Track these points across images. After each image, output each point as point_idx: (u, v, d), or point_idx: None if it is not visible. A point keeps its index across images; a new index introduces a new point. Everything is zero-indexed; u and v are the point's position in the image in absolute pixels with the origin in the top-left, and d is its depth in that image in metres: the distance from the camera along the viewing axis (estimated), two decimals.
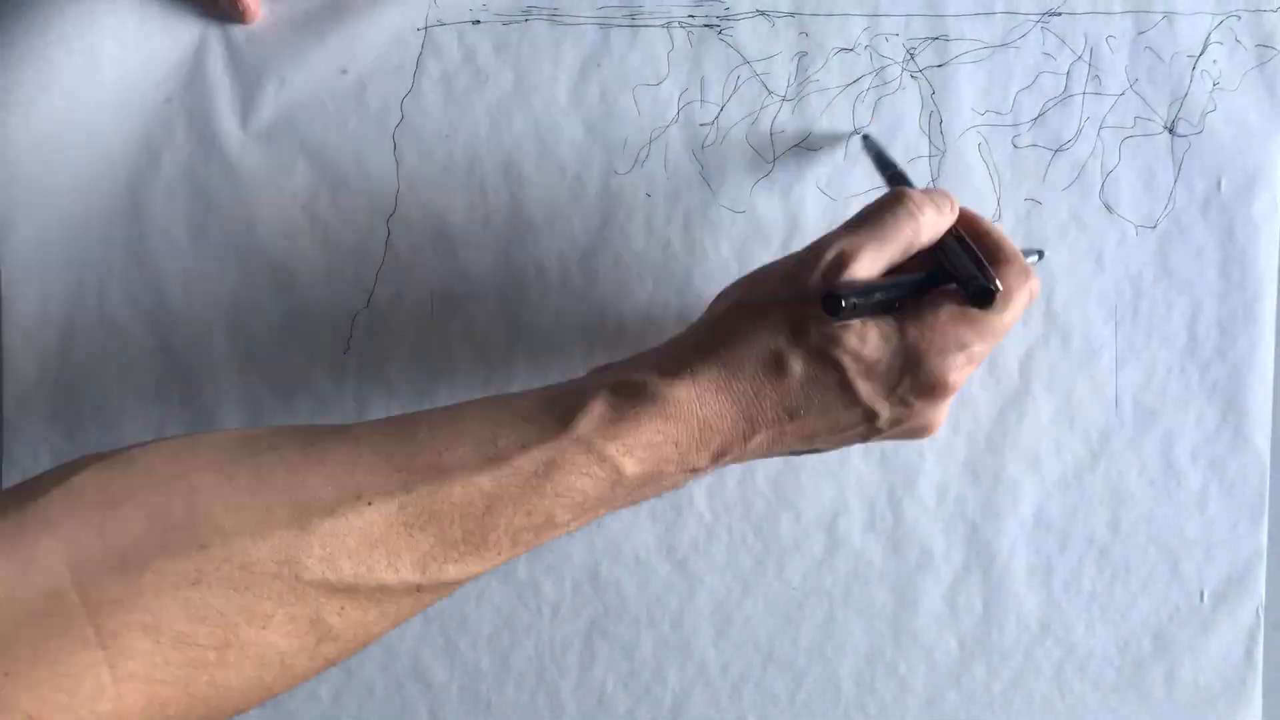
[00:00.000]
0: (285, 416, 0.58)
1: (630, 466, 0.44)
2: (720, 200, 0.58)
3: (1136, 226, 0.58)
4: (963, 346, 0.46)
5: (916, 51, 0.58)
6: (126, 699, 0.38)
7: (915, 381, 0.46)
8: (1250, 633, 0.59)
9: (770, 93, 0.58)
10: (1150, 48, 0.58)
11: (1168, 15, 0.58)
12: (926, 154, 0.58)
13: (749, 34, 0.58)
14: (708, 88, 0.58)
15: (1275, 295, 0.58)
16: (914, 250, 0.47)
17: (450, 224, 0.59)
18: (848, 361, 0.45)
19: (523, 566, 0.59)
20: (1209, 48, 0.57)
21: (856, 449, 0.58)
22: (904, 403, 0.46)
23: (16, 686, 0.37)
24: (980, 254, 0.47)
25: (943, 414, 0.48)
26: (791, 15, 0.58)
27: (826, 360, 0.45)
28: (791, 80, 0.58)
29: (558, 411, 0.44)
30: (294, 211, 0.59)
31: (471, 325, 0.59)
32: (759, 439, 0.46)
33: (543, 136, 0.58)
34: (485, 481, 0.42)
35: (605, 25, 0.58)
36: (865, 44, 0.58)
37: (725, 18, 0.58)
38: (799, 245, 0.58)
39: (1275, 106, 0.57)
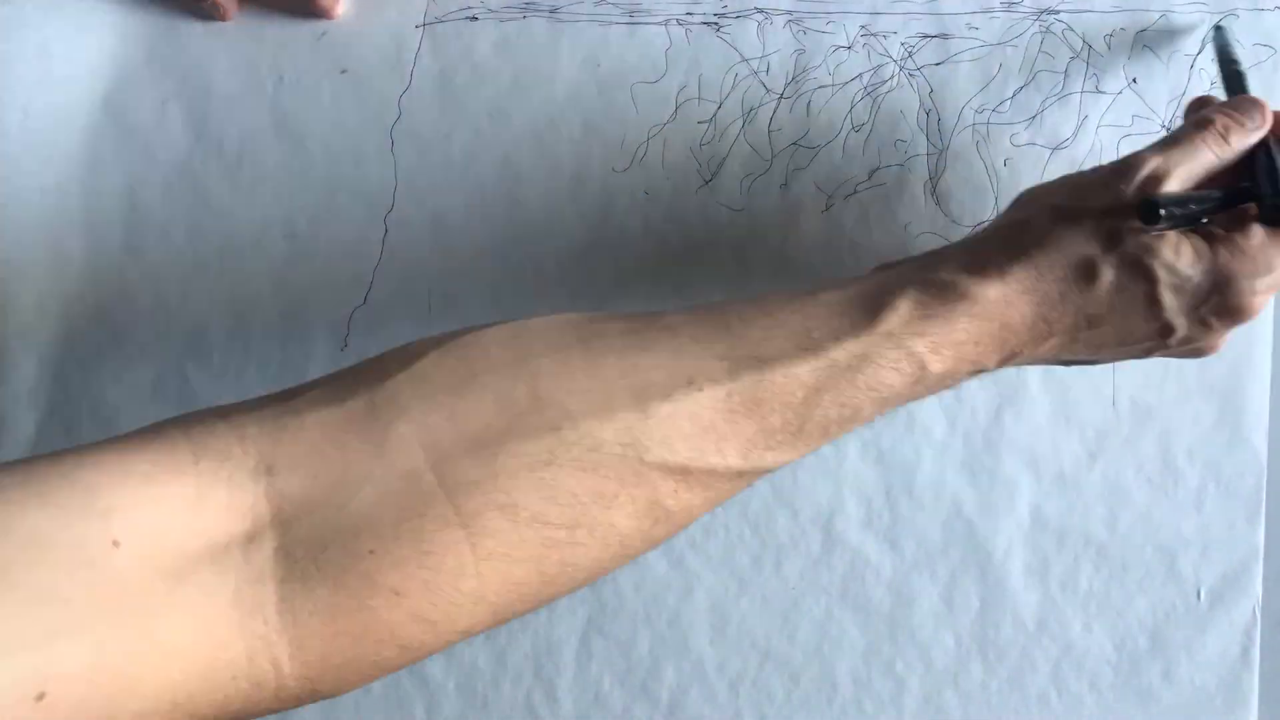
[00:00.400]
0: None
1: (935, 364, 0.44)
2: (718, 198, 0.58)
3: None
4: (1270, 269, 0.46)
5: (914, 49, 0.58)
6: (486, 578, 0.39)
7: (1221, 302, 0.46)
8: (1247, 631, 0.59)
9: (768, 90, 0.58)
10: (1148, 46, 0.58)
11: (1165, 14, 0.58)
12: (924, 152, 0.58)
13: (747, 32, 0.58)
14: (706, 85, 0.58)
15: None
16: (1221, 169, 0.48)
17: (448, 222, 0.58)
18: (1161, 273, 0.45)
19: None
20: (1207, 47, 0.57)
21: (853, 447, 0.58)
22: (1203, 322, 0.47)
23: (381, 563, 0.38)
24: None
25: (1228, 337, 0.48)
26: (789, 13, 0.58)
27: (1139, 270, 0.45)
28: (789, 78, 0.58)
29: (866, 306, 0.44)
30: (291, 210, 0.59)
31: (468, 323, 0.58)
32: (1051, 343, 0.46)
33: (541, 134, 0.58)
34: (804, 372, 0.43)
35: (603, 23, 0.58)
36: (863, 42, 0.58)
37: (723, 15, 0.58)
38: (797, 243, 0.58)
39: (1273, 105, 0.57)
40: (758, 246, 0.58)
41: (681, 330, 0.44)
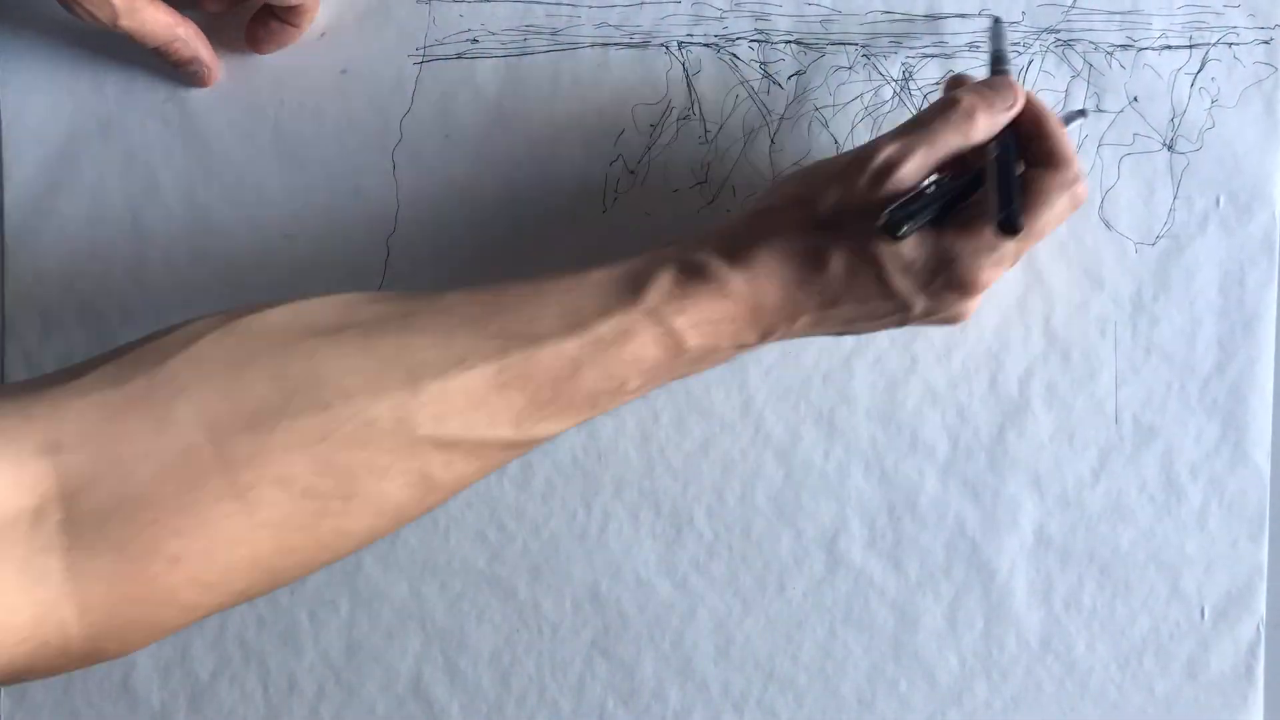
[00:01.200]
0: None
1: (692, 339, 0.48)
2: (721, 220, 0.58)
3: (1136, 243, 0.58)
4: (994, 248, 0.49)
5: (915, 70, 0.58)
6: (262, 544, 0.42)
7: (949, 278, 0.49)
8: (1251, 649, 0.59)
9: (769, 112, 0.58)
10: (1149, 65, 0.58)
11: (1166, 32, 0.58)
12: None
13: (747, 54, 0.58)
14: (706, 107, 0.58)
15: (1275, 312, 0.58)
16: (967, 149, 0.50)
17: (450, 244, 0.59)
18: (885, 259, 0.48)
19: (523, 586, 0.59)
20: (1207, 65, 0.58)
21: (856, 466, 0.58)
22: (937, 296, 0.49)
23: (162, 532, 0.41)
24: (1015, 179, 0.48)
25: (975, 305, 0.51)
26: (790, 35, 0.58)
27: (866, 256, 0.48)
28: (790, 99, 0.58)
29: (630, 284, 0.48)
30: (295, 231, 0.59)
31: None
32: (803, 321, 0.50)
33: (542, 156, 0.58)
34: (571, 347, 0.46)
35: (604, 44, 0.58)
36: (863, 63, 0.58)
37: (724, 37, 0.58)
38: None
39: (1274, 123, 0.57)
40: None
41: (457, 310, 0.47)
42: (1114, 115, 0.58)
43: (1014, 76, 0.53)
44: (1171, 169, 0.58)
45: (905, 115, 0.58)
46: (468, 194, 0.59)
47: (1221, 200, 0.58)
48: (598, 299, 0.48)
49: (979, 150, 0.50)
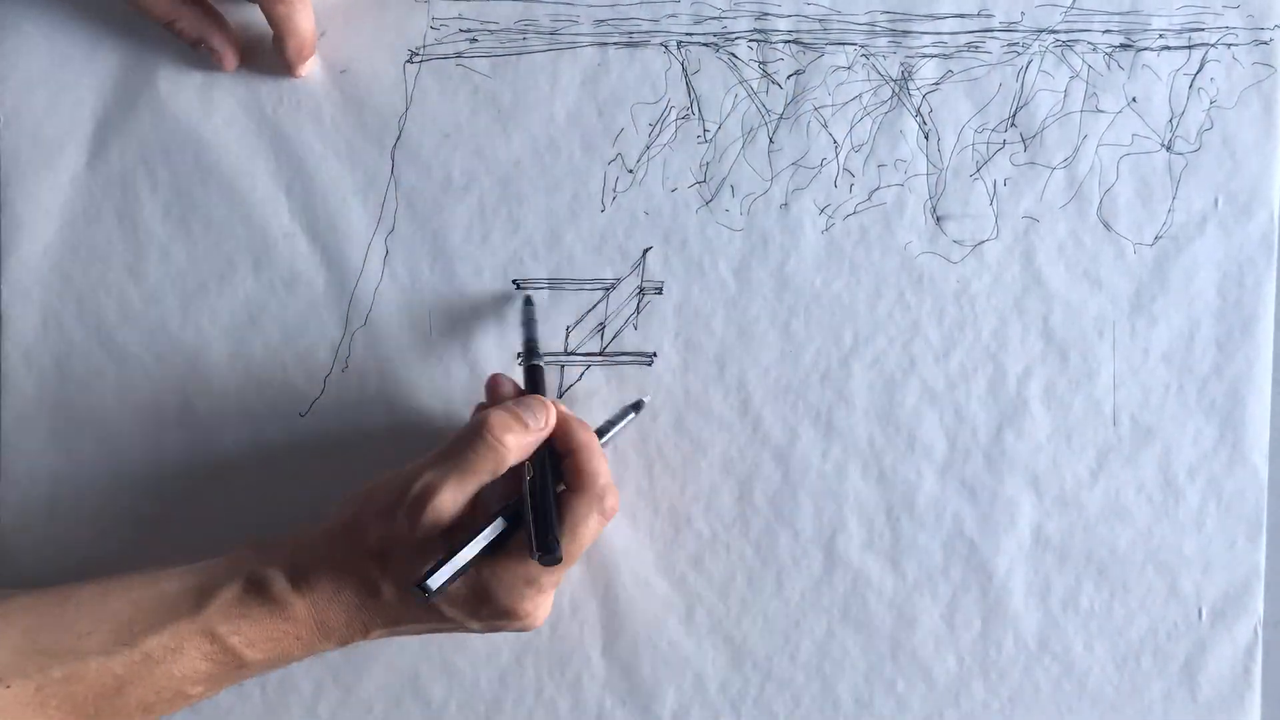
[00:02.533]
0: (284, 436, 0.59)
1: (251, 655, 0.51)
2: (718, 218, 0.58)
3: (1134, 244, 0.58)
4: (530, 581, 0.51)
5: (914, 70, 0.58)
6: None
7: (492, 610, 0.51)
8: (1248, 650, 0.59)
9: (768, 111, 0.58)
10: (1148, 66, 0.58)
11: (1164, 33, 0.58)
12: (924, 172, 0.58)
13: (746, 53, 0.58)
14: (706, 106, 0.58)
15: (1272, 313, 0.58)
16: (502, 470, 0.51)
17: (449, 243, 0.59)
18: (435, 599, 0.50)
19: None
20: (1206, 66, 0.58)
21: (854, 467, 0.58)
22: (489, 622, 0.52)
23: None
24: (550, 507, 0.50)
25: (536, 616, 0.52)
26: (789, 34, 0.58)
27: (411, 591, 0.50)
28: (789, 99, 0.58)
29: (195, 599, 0.51)
30: (294, 229, 0.59)
31: (469, 345, 0.59)
32: (377, 633, 0.53)
33: (540, 154, 0.58)
34: (117, 665, 0.49)
35: (603, 44, 0.58)
36: (862, 63, 0.58)
37: (723, 36, 0.58)
38: (797, 264, 0.58)
39: (1272, 124, 0.58)
40: (758, 267, 0.58)
41: (14, 620, 0.50)
42: (1113, 116, 0.58)
43: (544, 382, 0.55)
44: (1170, 170, 0.58)
45: (904, 115, 0.58)
46: (466, 193, 0.58)
47: (1220, 201, 0.58)
48: (158, 612, 0.50)
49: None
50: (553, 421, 0.52)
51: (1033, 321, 0.58)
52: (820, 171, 0.58)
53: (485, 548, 0.50)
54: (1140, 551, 0.58)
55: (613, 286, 0.59)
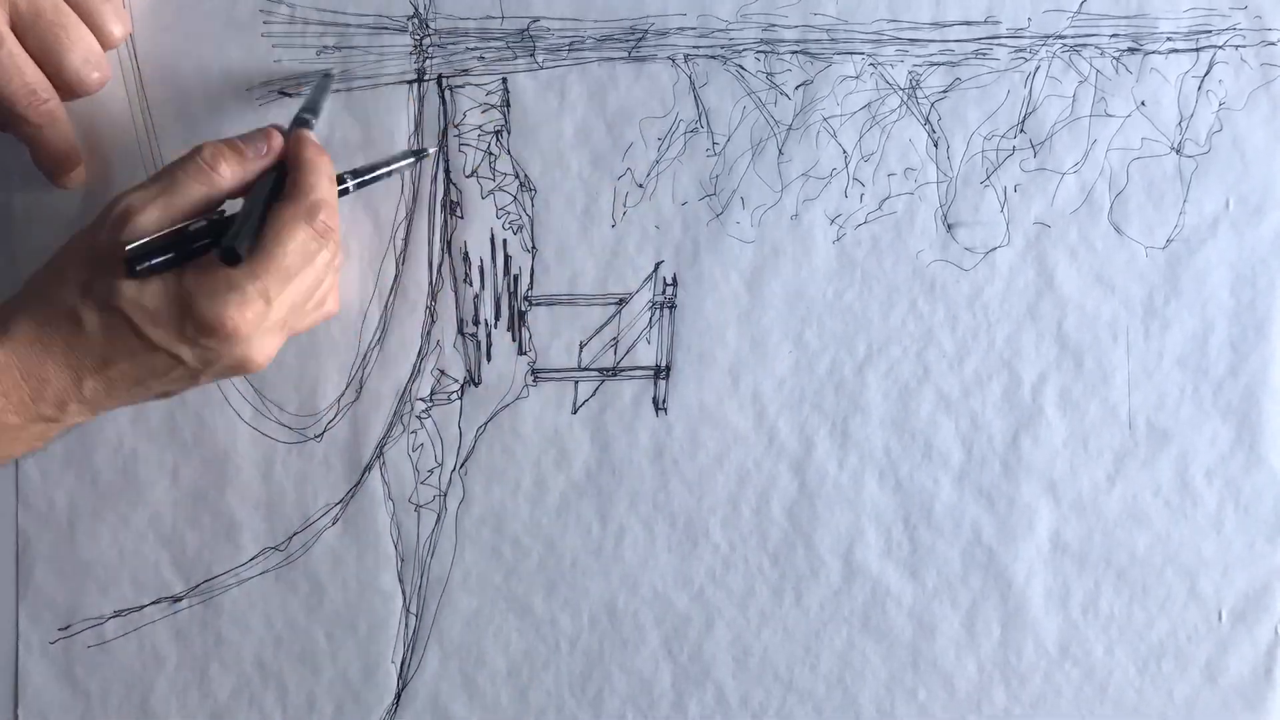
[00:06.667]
0: (301, 458, 0.59)
1: None
2: (729, 231, 0.58)
3: (1146, 248, 0.58)
4: (234, 287, 0.48)
5: (922, 78, 0.58)
6: None
7: (196, 323, 0.48)
8: (1269, 651, 0.59)
9: (776, 122, 0.58)
10: (1156, 69, 0.58)
11: (1172, 36, 0.58)
12: (934, 180, 0.58)
13: (754, 65, 0.58)
14: (714, 119, 0.58)
15: None
16: (220, 198, 0.50)
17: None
18: (130, 310, 0.48)
19: (539, 601, 0.59)
20: (1214, 68, 0.57)
21: (870, 476, 0.58)
22: (197, 344, 0.49)
23: None
24: (254, 213, 0.49)
25: (257, 349, 0.50)
26: (796, 45, 0.58)
27: (114, 311, 0.48)
28: (797, 109, 0.58)
29: None
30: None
31: (474, 362, 0.59)
32: (90, 385, 0.50)
33: (550, 171, 0.58)
34: None
35: (610, 59, 0.58)
36: (870, 72, 0.58)
37: (730, 48, 0.58)
38: (809, 274, 0.58)
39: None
40: (770, 278, 0.58)
41: None
42: (1121, 120, 0.58)
43: (313, 128, 0.54)
44: (1180, 172, 0.58)
45: (913, 123, 0.58)
46: (477, 212, 0.59)
47: (1231, 203, 0.58)
48: None
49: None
50: (276, 148, 0.52)
51: (1046, 327, 0.58)
52: (830, 182, 0.58)
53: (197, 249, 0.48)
54: (1159, 555, 0.58)
55: (624, 301, 0.59)
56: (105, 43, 0.54)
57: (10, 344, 0.49)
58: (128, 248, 0.48)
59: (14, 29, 0.52)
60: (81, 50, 0.53)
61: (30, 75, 0.52)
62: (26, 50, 0.52)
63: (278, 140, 0.52)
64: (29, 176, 0.56)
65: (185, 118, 0.58)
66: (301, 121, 0.54)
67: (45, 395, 0.49)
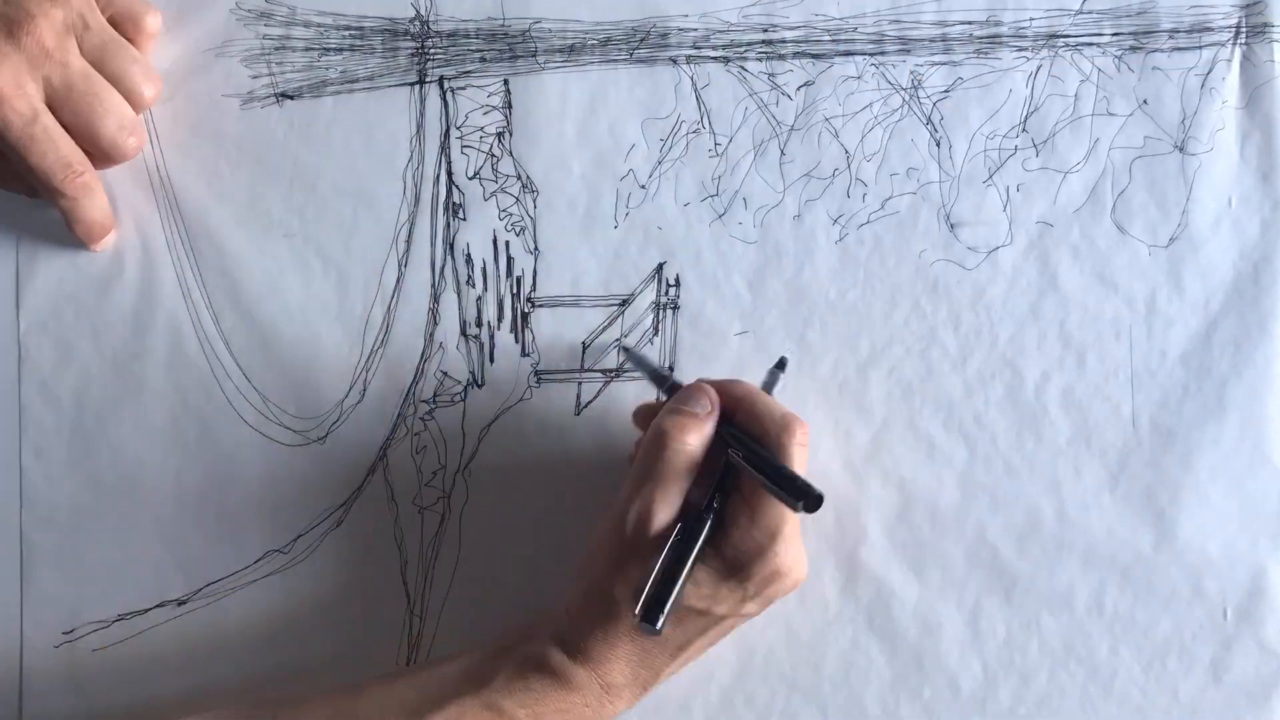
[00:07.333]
0: (305, 461, 0.59)
1: None
2: (731, 231, 0.58)
3: (1149, 246, 0.58)
4: (772, 534, 0.50)
5: (924, 78, 0.58)
6: None
7: (752, 579, 0.51)
8: (1275, 649, 0.58)
9: (778, 123, 0.58)
10: (1158, 68, 0.58)
11: (1174, 34, 0.57)
12: (937, 179, 0.58)
13: (756, 66, 0.58)
14: (716, 119, 0.58)
15: None
16: (695, 467, 0.51)
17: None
18: (701, 605, 0.51)
19: (545, 603, 0.59)
20: (1216, 65, 0.57)
21: (874, 476, 0.58)
22: (760, 593, 0.51)
23: None
24: (775, 466, 0.49)
25: (797, 564, 0.52)
26: (798, 46, 0.58)
27: (686, 614, 0.51)
28: (799, 110, 0.58)
29: (475, 678, 0.52)
30: (305, 254, 0.59)
31: (485, 367, 0.59)
32: (668, 671, 0.53)
33: (552, 172, 0.58)
34: None
35: (613, 60, 0.58)
36: (872, 72, 0.58)
37: (732, 49, 0.58)
38: (812, 275, 0.58)
39: None
40: (773, 279, 0.58)
41: (315, 713, 0.52)
42: (1124, 119, 0.58)
43: (673, 380, 0.55)
44: (1184, 171, 0.58)
45: (915, 123, 0.58)
46: (481, 213, 0.59)
47: (1234, 201, 0.58)
48: (440, 691, 0.51)
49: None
50: (716, 400, 0.52)
51: (1049, 326, 0.58)
52: (833, 182, 0.58)
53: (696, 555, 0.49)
54: (1164, 553, 0.58)
55: (627, 302, 0.59)
56: (137, 106, 0.55)
57: (588, 663, 0.51)
58: (639, 608, 0.48)
59: (49, 103, 0.52)
60: (116, 118, 0.54)
61: (65, 149, 0.53)
62: (61, 123, 0.53)
63: (713, 392, 0.52)
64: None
65: (187, 126, 0.58)
66: (675, 385, 0.54)
67: (622, 695, 0.53)
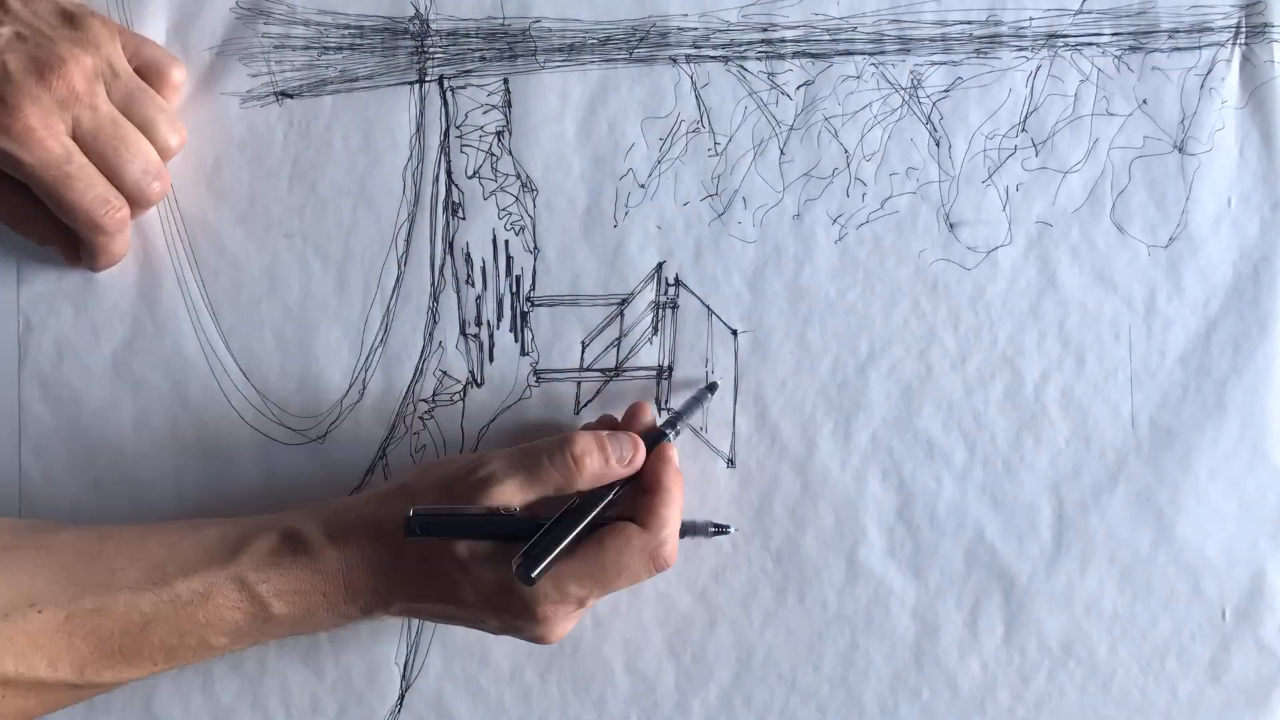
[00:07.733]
0: (304, 459, 0.59)
1: (278, 607, 0.51)
2: (730, 231, 0.58)
3: (1148, 246, 0.58)
4: (559, 586, 0.50)
5: (923, 78, 0.58)
6: None
7: (515, 604, 0.51)
8: (1273, 649, 0.58)
9: (778, 122, 0.58)
10: (1158, 68, 0.58)
11: (1174, 34, 0.57)
12: (936, 179, 0.58)
13: (755, 65, 0.58)
14: (716, 119, 0.58)
15: None
16: (571, 493, 0.52)
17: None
18: (461, 568, 0.51)
19: None
20: (1216, 66, 0.57)
21: (873, 475, 0.58)
22: (508, 624, 0.52)
23: None
24: (561, 539, 0.49)
25: (557, 633, 0.52)
26: (798, 45, 0.58)
27: (449, 561, 0.51)
28: (799, 109, 0.58)
29: (230, 545, 0.52)
30: (304, 253, 0.59)
31: (489, 365, 0.59)
32: (398, 606, 0.53)
33: (552, 171, 0.59)
34: (145, 603, 0.50)
35: (613, 59, 0.58)
36: (871, 72, 0.58)
37: (731, 48, 0.58)
38: (811, 274, 0.58)
39: None
40: (772, 278, 0.58)
41: (56, 551, 0.51)
42: (1124, 119, 0.58)
43: (672, 440, 0.55)
44: (1183, 171, 0.58)
45: (915, 122, 0.58)
46: (481, 210, 0.59)
47: (1233, 201, 0.58)
48: (193, 556, 0.51)
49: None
50: (638, 464, 0.53)
51: (1049, 326, 0.58)
52: (832, 181, 0.58)
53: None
54: (1163, 553, 0.58)
55: (627, 301, 0.59)
56: (163, 153, 0.56)
57: (344, 552, 0.52)
58: (412, 511, 0.50)
59: (77, 143, 0.53)
60: (141, 162, 0.54)
61: (101, 186, 0.54)
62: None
63: (642, 454, 0.53)
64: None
65: (186, 125, 0.58)
66: (662, 435, 0.54)
67: (357, 601, 0.52)
